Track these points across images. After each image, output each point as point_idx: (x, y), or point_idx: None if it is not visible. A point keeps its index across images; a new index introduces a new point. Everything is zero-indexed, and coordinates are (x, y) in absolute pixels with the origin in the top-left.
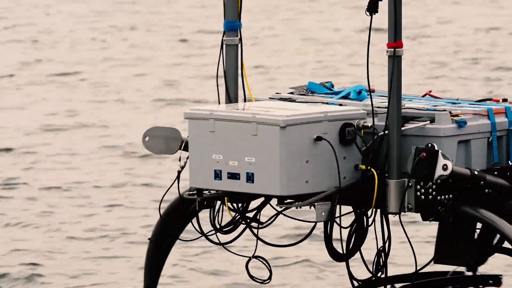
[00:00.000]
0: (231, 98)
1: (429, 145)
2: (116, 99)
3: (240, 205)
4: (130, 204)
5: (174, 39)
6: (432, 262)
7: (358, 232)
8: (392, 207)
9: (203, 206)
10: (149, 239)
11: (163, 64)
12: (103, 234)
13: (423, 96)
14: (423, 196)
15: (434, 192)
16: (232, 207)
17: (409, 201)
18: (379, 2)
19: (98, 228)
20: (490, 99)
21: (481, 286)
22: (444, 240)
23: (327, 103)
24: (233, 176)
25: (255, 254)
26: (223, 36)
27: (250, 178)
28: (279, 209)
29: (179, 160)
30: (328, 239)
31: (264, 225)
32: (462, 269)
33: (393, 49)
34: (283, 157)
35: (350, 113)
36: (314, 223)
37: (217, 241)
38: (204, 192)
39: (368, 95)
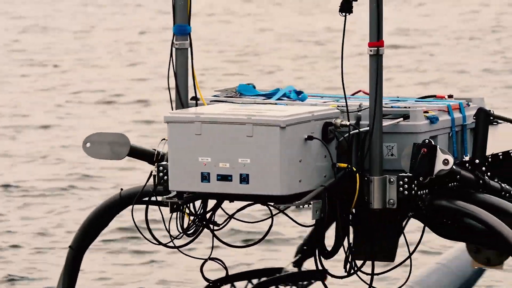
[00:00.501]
0: (182, 101)
1: (426, 140)
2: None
3: (198, 208)
4: None
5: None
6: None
7: (343, 230)
8: (376, 204)
9: (174, 210)
10: (70, 246)
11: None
12: None
13: (353, 94)
14: (406, 192)
15: (415, 187)
16: (190, 211)
17: (391, 197)
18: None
19: None
20: (435, 96)
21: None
22: (365, 236)
23: (276, 104)
24: (224, 178)
25: (211, 256)
26: (173, 40)
27: (244, 179)
28: (277, 209)
29: (154, 164)
30: (319, 237)
31: (220, 227)
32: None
33: (376, 48)
34: (283, 157)
35: (330, 113)
36: (269, 226)
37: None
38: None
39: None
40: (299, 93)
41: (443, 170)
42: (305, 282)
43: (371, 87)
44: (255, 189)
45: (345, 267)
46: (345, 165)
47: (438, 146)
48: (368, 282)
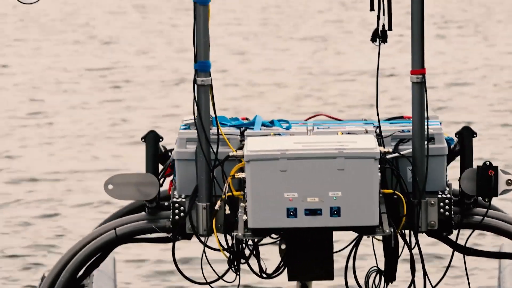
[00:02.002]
0: (207, 137)
1: (487, 162)
2: None
3: (231, 243)
4: None
5: None
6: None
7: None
8: (423, 226)
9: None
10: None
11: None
12: None
13: (308, 119)
14: (447, 213)
15: (452, 208)
16: (223, 246)
17: (432, 218)
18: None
19: None
20: (402, 117)
21: None
22: (295, 257)
23: (279, 134)
24: (313, 212)
25: None
26: (195, 76)
27: (335, 212)
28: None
29: (214, 200)
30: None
31: (247, 260)
32: None
33: (421, 76)
34: (375, 188)
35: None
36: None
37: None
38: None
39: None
40: (282, 122)
41: (506, 190)
42: None
43: (414, 113)
44: (347, 221)
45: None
46: (391, 191)
47: (498, 167)
48: None
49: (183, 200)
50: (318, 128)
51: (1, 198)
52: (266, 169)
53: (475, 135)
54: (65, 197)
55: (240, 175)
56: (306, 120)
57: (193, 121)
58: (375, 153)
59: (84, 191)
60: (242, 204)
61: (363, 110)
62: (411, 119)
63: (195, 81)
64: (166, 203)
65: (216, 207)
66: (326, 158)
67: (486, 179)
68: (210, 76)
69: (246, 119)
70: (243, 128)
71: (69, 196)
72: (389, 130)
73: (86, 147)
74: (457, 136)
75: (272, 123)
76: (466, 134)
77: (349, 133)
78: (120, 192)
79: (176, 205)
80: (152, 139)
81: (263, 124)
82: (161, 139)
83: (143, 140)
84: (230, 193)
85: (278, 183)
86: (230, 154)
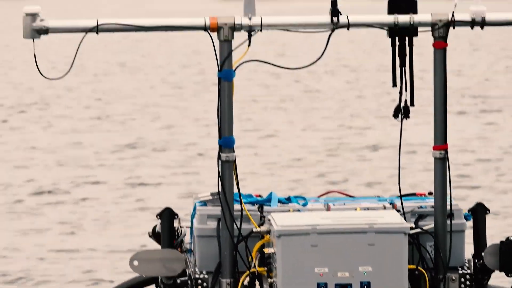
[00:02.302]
0: (231, 213)
1: (510, 237)
2: None
3: None
4: None
5: None
6: None
7: None
8: None
9: None
10: None
11: None
12: None
13: (320, 196)
14: None
15: (473, 283)
16: None
17: None
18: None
19: None
20: (414, 194)
21: None
22: None
23: (298, 210)
24: (343, 287)
25: None
26: (219, 152)
27: (365, 287)
28: None
29: (237, 276)
30: None
31: None
32: None
33: (444, 151)
34: (405, 263)
35: None
36: None
37: None
38: None
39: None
40: (299, 198)
41: None
42: None
43: (436, 189)
44: None
45: None
46: (414, 266)
47: None
48: None
49: (205, 276)
50: (333, 204)
51: (31, 274)
52: (297, 244)
53: (488, 212)
54: (94, 274)
55: (269, 250)
56: (319, 197)
57: (210, 197)
58: (405, 228)
59: (113, 270)
60: (269, 280)
61: (388, 185)
62: (423, 195)
63: (219, 157)
64: (178, 280)
65: (245, 283)
66: (357, 233)
67: (510, 254)
68: (234, 151)
69: (260, 196)
70: (258, 205)
71: (97, 273)
72: (406, 206)
73: (111, 225)
74: (470, 212)
75: (288, 199)
76: (480, 211)
77: (367, 209)
78: (145, 268)
79: (199, 281)
80: (167, 216)
81: (279, 201)
82: (176, 216)
83: (158, 217)
84: (254, 269)
85: (308, 258)
86: (254, 230)
